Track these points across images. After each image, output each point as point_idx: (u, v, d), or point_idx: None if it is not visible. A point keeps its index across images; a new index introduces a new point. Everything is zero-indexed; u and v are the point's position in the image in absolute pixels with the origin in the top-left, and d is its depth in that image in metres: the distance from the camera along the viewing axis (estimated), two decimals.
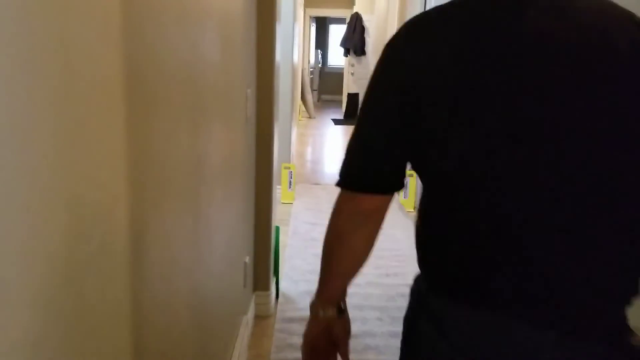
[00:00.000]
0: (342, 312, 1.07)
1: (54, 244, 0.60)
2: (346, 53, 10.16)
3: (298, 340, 2.34)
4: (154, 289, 0.99)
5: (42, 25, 0.55)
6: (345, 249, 0.95)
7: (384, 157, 0.87)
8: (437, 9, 0.87)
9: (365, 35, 9.80)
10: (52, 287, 0.60)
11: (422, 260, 0.91)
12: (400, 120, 0.83)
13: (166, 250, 1.07)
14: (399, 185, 0.89)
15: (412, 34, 0.85)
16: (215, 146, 1.52)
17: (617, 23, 0.78)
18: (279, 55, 2.56)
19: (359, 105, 0.92)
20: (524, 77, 0.76)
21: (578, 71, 0.75)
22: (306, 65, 11.27)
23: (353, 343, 2.36)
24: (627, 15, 0.80)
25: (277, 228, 2.79)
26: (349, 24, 9.81)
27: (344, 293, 1.06)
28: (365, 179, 0.88)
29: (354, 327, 2.65)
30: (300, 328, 2.46)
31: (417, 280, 0.94)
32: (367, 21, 9.75)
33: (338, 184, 0.91)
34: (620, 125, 0.76)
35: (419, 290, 0.92)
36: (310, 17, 11.62)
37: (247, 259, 2.34)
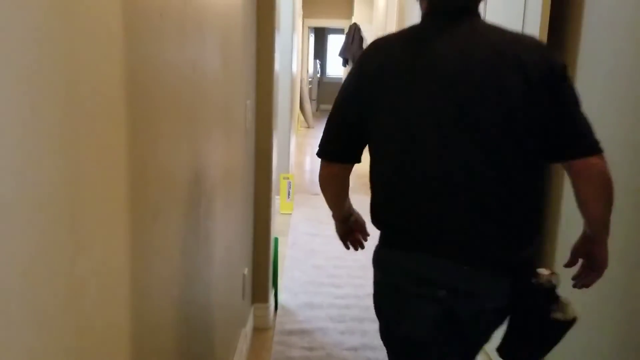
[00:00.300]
0: (351, 215, 1.50)
1: (55, 259, 0.59)
2: (345, 63, 10.19)
3: (297, 353, 2.34)
4: (153, 301, 0.98)
5: (50, 44, 0.55)
6: (327, 194, 1.40)
7: (344, 138, 1.28)
8: (393, 34, 1.30)
9: (364, 45, 9.85)
10: (53, 303, 0.59)
11: (371, 216, 1.29)
12: (355, 113, 1.24)
13: (165, 262, 1.06)
14: (356, 159, 1.30)
15: (371, 52, 1.27)
16: (215, 158, 1.52)
17: (515, 53, 1.13)
18: (278, 66, 2.56)
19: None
20: (439, 82, 1.15)
21: (475, 82, 1.13)
22: (305, 75, 11.29)
23: (353, 356, 2.34)
24: (524, 41, 1.18)
25: (276, 239, 2.77)
26: (348, 34, 9.85)
27: (347, 209, 1.47)
28: (332, 153, 1.31)
29: (354, 340, 2.64)
30: (300, 341, 2.46)
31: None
32: (366, 32, 9.80)
33: (317, 154, 1.33)
34: (500, 119, 1.12)
35: (377, 247, 1.31)
36: (309, 27, 11.68)
37: (246, 271, 2.33)
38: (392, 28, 6.84)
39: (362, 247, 1.56)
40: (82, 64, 0.64)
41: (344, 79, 1.31)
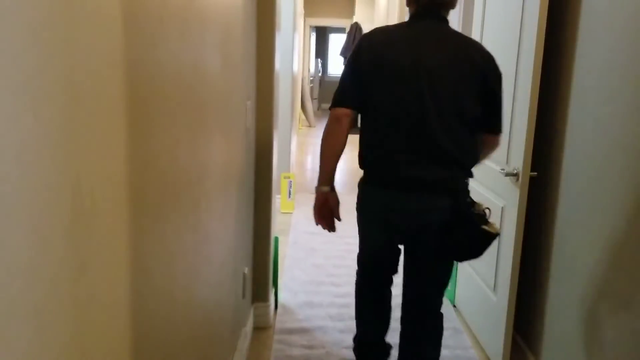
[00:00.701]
0: (333, 190, 1.84)
1: (57, 260, 0.60)
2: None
3: (297, 352, 2.35)
4: (153, 300, 0.99)
5: (50, 47, 0.56)
6: (330, 138, 1.76)
7: (350, 93, 1.74)
8: (380, 28, 1.80)
9: None
10: (55, 304, 0.60)
11: (359, 162, 1.79)
12: (357, 79, 1.71)
13: (166, 262, 1.07)
14: (358, 108, 1.75)
15: (367, 39, 1.75)
16: (215, 158, 1.53)
17: (469, 51, 1.67)
18: (279, 65, 2.57)
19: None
20: (418, 71, 1.64)
21: (442, 70, 1.65)
22: (306, 74, 11.30)
23: (352, 354, 2.35)
24: (475, 45, 1.73)
25: (276, 239, 2.79)
26: (349, 34, 9.85)
27: (332, 179, 1.82)
28: (340, 101, 1.75)
29: (351, 339, 2.64)
30: (300, 339, 2.48)
31: (361, 178, 1.83)
32: (367, 31, 9.79)
33: (330, 107, 1.79)
34: (456, 97, 1.65)
35: (360, 182, 1.82)
36: (310, 26, 11.68)
37: (246, 270, 2.34)
38: None
39: (334, 230, 1.89)
40: (82, 67, 0.66)
41: (348, 59, 1.80)
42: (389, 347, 2.08)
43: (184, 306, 1.25)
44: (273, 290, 2.76)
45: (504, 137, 2.33)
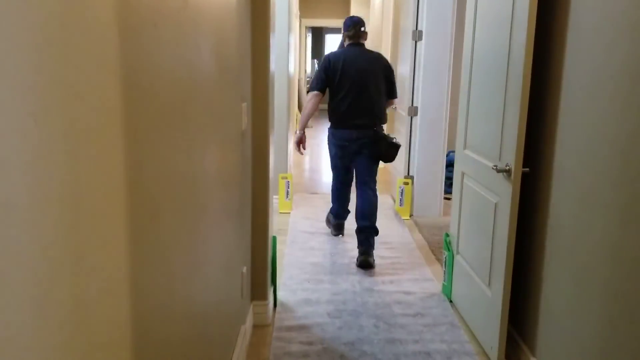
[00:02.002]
0: (304, 133, 3.73)
1: (58, 259, 0.63)
2: None
3: (296, 348, 2.39)
4: (153, 299, 1.02)
5: (50, 58, 0.59)
6: (309, 106, 3.63)
7: (320, 84, 3.57)
8: (335, 51, 3.70)
9: None
10: (56, 302, 0.63)
11: (329, 118, 3.61)
12: (325, 78, 3.55)
13: (164, 261, 1.10)
14: (322, 90, 3.57)
15: (331, 56, 3.60)
16: (211, 160, 1.56)
17: (381, 62, 3.61)
18: (274, 67, 2.61)
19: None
20: (356, 72, 3.50)
21: (366, 71, 3.53)
22: (303, 75, 11.32)
23: (350, 350, 2.38)
24: (379, 55, 3.70)
25: (274, 238, 2.82)
26: None
27: (304, 127, 3.70)
28: (315, 87, 3.57)
29: (351, 335, 2.70)
30: (299, 336, 2.52)
31: (329, 127, 3.67)
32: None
33: (308, 91, 3.79)
34: (374, 84, 3.54)
35: (329, 128, 3.66)
36: (306, 27, 11.70)
37: (245, 269, 2.37)
38: (388, 26, 6.87)
39: (302, 153, 3.80)
40: (80, 73, 0.69)
41: (321, 62, 3.64)
42: (348, 212, 3.96)
43: (183, 305, 1.28)
44: (272, 289, 2.79)
45: (496, 134, 2.34)
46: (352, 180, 3.76)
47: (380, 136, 3.47)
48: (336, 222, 3.99)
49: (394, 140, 3.48)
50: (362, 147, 3.49)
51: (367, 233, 3.47)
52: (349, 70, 3.44)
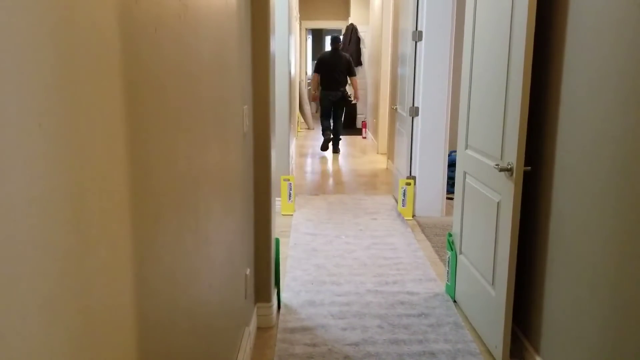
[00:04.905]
0: (317, 92, 8.27)
1: (62, 260, 0.64)
2: None
3: (300, 350, 2.39)
4: (157, 301, 1.03)
5: (54, 64, 0.60)
6: (313, 82, 8.16)
7: (317, 69, 8.03)
8: (323, 53, 8.49)
9: (361, 45, 9.88)
10: (61, 303, 0.64)
11: (320, 84, 8.05)
12: (318, 66, 8.01)
13: (168, 263, 1.11)
14: (318, 72, 8.03)
15: (320, 56, 8.20)
16: (213, 163, 1.57)
17: (345, 58, 7.97)
18: (275, 69, 2.62)
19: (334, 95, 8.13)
20: (330, 68, 7.91)
21: (335, 63, 7.94)
22: (303, 77, 11.35)
23: (354, 351, 2.38)
24: (344, 54, 8.10)
25: (277, 240, 2.83)
26: (345, 35, 9.90)
27: (317, 89, 8.14)
28: (316, 71, 8.05)
29: (355, 336, 2.69)
30: (303, 338, 2.52)
31: (319, 91, 8.19)
32: (362, 32, 9.84)
33: (313, 72, 8.37)
34: (339, 69, 8.08)
35: (320, 92, 8.13)
36: (306, 29, 11.73)
37: (248, 271, 2.38)
38: (388, 27, 6.89)
39: (317, 100, 8.16)
40: (84, 78, 0.69)
41: (315, 64, 8.13)
42: (330, 131, 7.93)
43: (186, 307, 1.29)
44: (275, 291, 2.80)
45: (497, 133, 2.35)
46: (330, 116, 7.87)
47: (344, 95, 7.82)
48: (324, 138, 7.80)
49: (350, 99, 8.38)
50: (335, 99, 7.74)
51: (336, 139, 7.99)
52: (327, 62, 7.69)
